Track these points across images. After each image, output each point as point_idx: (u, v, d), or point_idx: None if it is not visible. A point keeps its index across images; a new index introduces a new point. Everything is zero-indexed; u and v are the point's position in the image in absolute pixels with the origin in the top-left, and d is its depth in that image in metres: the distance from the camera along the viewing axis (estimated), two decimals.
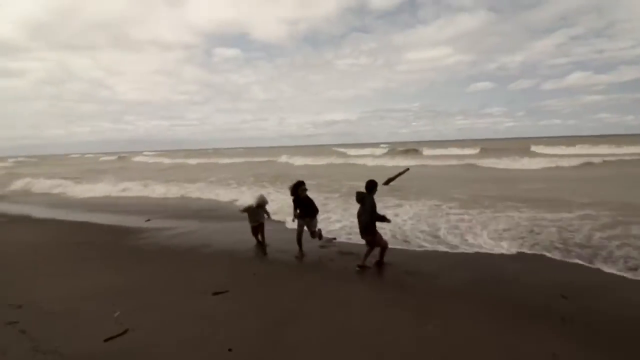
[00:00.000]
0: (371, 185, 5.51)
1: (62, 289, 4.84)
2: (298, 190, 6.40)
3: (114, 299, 4.38)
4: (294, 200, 6.50)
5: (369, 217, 5.36)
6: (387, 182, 15.22)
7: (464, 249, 6.16)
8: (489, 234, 6.75)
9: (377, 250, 5.53)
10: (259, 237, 7.02)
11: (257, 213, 6.94)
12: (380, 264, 5.51)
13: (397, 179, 15.52)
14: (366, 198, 5.43)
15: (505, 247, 6.07)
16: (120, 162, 53.95)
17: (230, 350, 3.24)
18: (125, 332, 3.60)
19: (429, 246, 6.37)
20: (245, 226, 7.09)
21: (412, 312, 3.96)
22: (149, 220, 9.65)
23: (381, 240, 5.49)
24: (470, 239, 6.61)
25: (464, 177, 17.86)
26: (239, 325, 3.73)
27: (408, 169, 16.59)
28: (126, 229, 8.80)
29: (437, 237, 6.83)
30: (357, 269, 5.35)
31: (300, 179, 6.79)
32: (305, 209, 6.38)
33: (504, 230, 6.95)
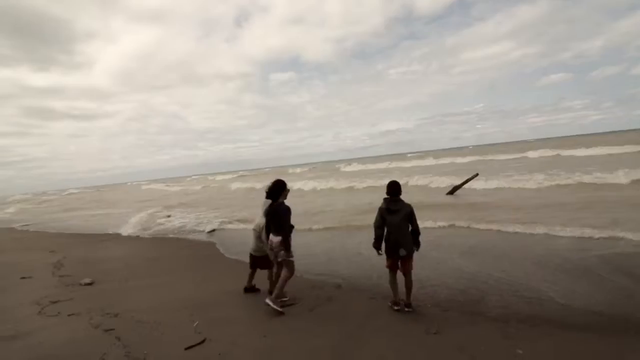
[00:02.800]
0: (398, 188, 4.23)
1: (149, 299, 5.32)
2: (284, 192, 4.49)
3: (192, 310, 4.68)
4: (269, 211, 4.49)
5: (407, 230, 4.15)
6: (452, 191, 14.43)
7: None
8: None
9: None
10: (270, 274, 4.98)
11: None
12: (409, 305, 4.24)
13: (464, 187, 14.63)
14: (402, 205, 4.18)
15: None
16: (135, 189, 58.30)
17: None
18: (203, 341, 3.79)
19: None
20: (308, 241, 7.12)
21: (496, 333, 3.60)
22: (212, 231, 10.55)
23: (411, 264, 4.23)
24: None
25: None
26: (307, 339, 3.73)
27: (477, 175, 15.47)
28: (198, 243, 9.48)
29: None
30: (395, 308, 4.27)
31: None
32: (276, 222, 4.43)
33: None
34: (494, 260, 5.92)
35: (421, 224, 4.40)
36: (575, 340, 3.38)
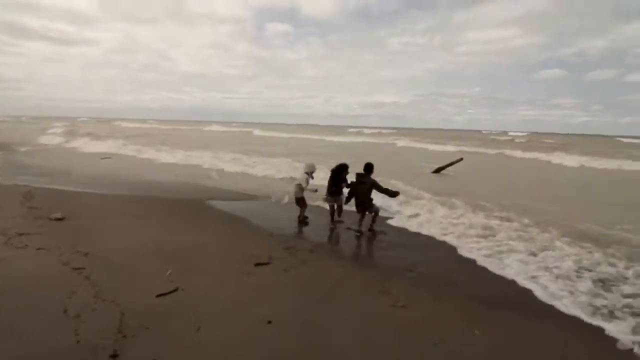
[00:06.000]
0: (369, 168, 6.47)
1: (123, 242, 5.25)
2: (342, 174, 6.79)
3: (167, 258, 4.67)
4: (330, 177, 6.88)
5: (367, 195, 6.33)
6: (437, 170, 14.74)
7: None
8: None
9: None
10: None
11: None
12: (372, 229, 6.49)
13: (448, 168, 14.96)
14: (366, 178, 6.35)
15: None
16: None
17: (269, 322, 3.32)
18: (175, 290, 3.82)
19: None
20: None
21: (458, 312, 3.79)
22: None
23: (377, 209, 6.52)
24: None
25: None
26: (278, 299, 3.82)
27: (461, 159, 15.83)
28: (185, 188, 9.33)
29: None
30: (357, 234, 6.32)
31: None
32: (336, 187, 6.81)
33: None
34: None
35: None
36: (528, 327, 3.59)
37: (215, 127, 68.11)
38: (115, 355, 2.73)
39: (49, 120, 69.09)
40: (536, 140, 42.40)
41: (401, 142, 36.87)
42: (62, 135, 28.61)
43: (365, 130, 69.80)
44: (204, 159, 16.15)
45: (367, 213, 6.45)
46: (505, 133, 78.02)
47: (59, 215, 6.21)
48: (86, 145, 22.24)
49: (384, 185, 6.51)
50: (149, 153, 18.65)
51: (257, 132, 52.97)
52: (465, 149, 28.71)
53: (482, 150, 29.33)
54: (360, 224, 6.46)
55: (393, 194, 6.41)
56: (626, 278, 4.63)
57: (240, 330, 3.19)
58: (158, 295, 3.68)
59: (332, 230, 6.68)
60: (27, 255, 4.56)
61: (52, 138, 26.77)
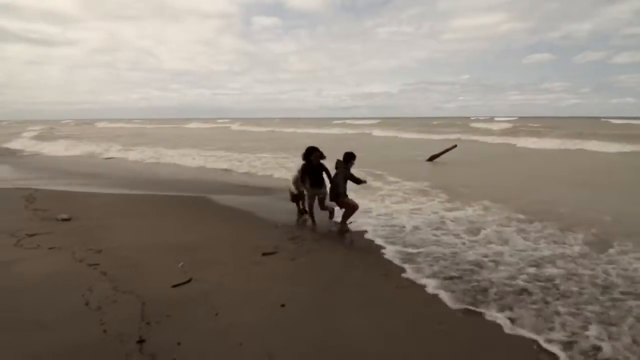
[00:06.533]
0: (348, 157, 6.16)
1: (133, 239, 5.39)
2: (311, 157, 6.17)
3: (178, 252, 4.83)
4: (303, 167, 6.26)
5: (340, 186, 6.01)
6: (431, 159, 14.97)
7: None
8: None
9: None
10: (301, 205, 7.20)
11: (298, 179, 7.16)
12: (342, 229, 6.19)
13: (442, 156, 15.19)
14: (341, 169, 6.10)
15: None
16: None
17: (283, 305, 3.52)
18: (189, 280, 3.99)
19: None
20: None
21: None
22: None
23: (351, 202, 6.13)
24: None
25: None
26: (288, 285, 4.01)
27: (455, 146, 16.04)
28: (185, 185, 9.45)
29: None
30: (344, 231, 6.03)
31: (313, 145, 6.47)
32: (314, 177, 6.18)
33: None
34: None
35: None
36: None
37: (197, 124, 69.55)
38: (142, 341, 2.91)
39: (29, 125, 68.49)
40: (522, 125, 42.49)
41: (388, 132, 36.89)
42: (32, 139, 28.38)
43: (349, 122, 70.10)
44: (190, 156, 16.30)
45: (341, 205, 6.09)
46: (491, 119, 78.53)
47: (65, 216, 6.31)
48: (52, 149, 21.83)
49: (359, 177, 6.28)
50: (122, 153, 18.87)
51: (243, 127, 53.35)
52: (451, 137, 28.75)
53: (465, 137, 28.93)
54: (342, 220, 6.16)
55: (361, 181, 6.17)
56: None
57: (257, 314, 3.38)
58: (174, 286, 3.85)
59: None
60: (41, 254, 4.68)
61: (22, 142, 26.53)
